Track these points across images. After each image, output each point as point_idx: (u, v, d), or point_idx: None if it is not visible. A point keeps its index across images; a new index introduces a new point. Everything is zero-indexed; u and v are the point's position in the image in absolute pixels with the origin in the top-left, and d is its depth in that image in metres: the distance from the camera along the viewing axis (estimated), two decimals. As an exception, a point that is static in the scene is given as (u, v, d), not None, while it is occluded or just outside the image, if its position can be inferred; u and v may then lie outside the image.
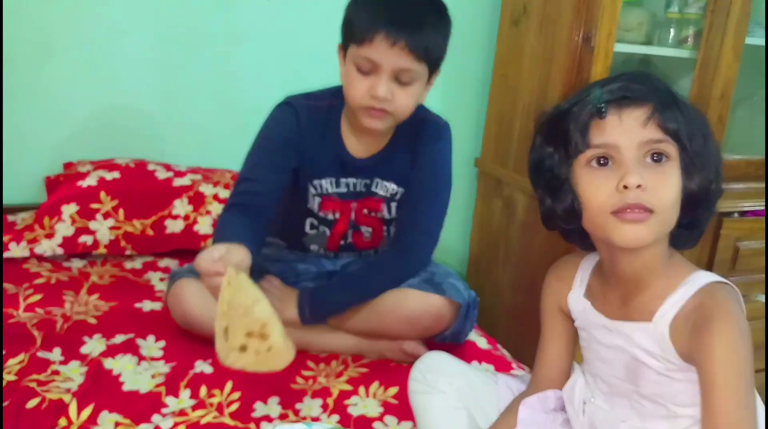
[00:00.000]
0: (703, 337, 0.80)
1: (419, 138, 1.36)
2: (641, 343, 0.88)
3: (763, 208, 1.91)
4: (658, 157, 0.84)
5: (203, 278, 0.99)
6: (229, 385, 1.20)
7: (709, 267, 1.86)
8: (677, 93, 0.87)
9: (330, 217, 1.40)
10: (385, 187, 1.39)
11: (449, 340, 1.41)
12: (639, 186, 0.81)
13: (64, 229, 1.61)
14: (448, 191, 1.38)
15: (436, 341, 1.40)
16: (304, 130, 1.32)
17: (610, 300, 0.94)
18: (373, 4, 1.20)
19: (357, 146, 1.36)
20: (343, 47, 1.26)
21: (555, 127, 0.89)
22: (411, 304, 1.32)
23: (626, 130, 0.83)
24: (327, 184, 1.37)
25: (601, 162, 0.85)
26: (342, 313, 1.33)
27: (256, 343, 0.95)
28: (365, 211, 1.41)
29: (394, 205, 1.40)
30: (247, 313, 0.94)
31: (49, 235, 1.60)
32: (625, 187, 0.81)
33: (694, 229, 0.91)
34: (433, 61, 1.23)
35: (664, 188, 0.83)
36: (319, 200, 1.38)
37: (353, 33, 1.21)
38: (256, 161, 1.31)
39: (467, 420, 1.05)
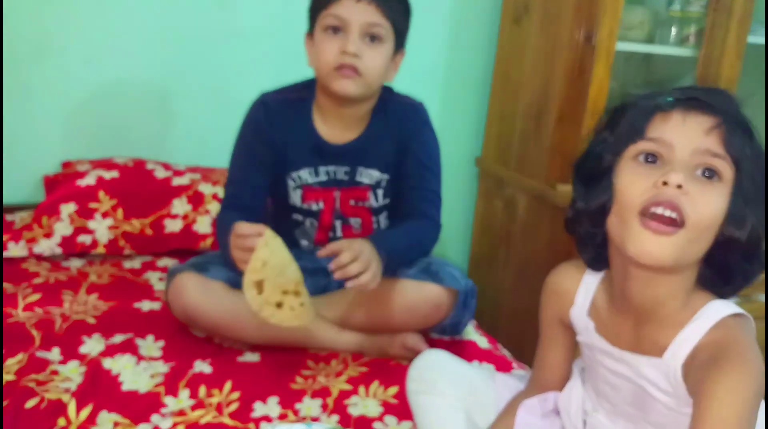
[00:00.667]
0: (708, 374, 0.74)
1: (403, 125, 1.40)
2: (651, 378, 0.84)
3: (764, 207, 1.89)
4: (710, 174, 0.77)
5: (236, 242, 1.10)
6: (228, 385, 1.20)
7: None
8: (751, 123, 0.80)
9: (314, 207, 1.42)
10: (370, 175, 1.41)
11: (449, 333, 1.41)
12: (680, 187, 0.74)
13: (62, 228, 1.60)
14: (440, 168, 1.43)
15: (436, 333, 1.40)
16: (275, 122, 1.37)
17: (618, 326, 0.88)
18: None
19: (332, 132, 1.38)
20: (310, 31, 1.33)
21: (616, 115, 0.86)
22: (409, 293, 1.32)
23: (686, 132, 0.78)
24: (306, 175, 1.39)
25: (649, 159, 0.79)
26: (401, 262, 1.32)
27: (291, 299, 1.08)
28: (352, 201, 1.42)
29: (380, 192, 1.42)
30: (282, 273, 1.06)
31: (48, 235, 1.59)
32: (665, 183, 0.75)
33: (727, 279, 0.82)
34: (396, 25, 1.30)
35: (706, 203, 0.76)
36: (300, 192, 1.40)
37: (320, 2, 1.29)
38: (237, 163, 1.39)
39: (465, 420, 1.04)
